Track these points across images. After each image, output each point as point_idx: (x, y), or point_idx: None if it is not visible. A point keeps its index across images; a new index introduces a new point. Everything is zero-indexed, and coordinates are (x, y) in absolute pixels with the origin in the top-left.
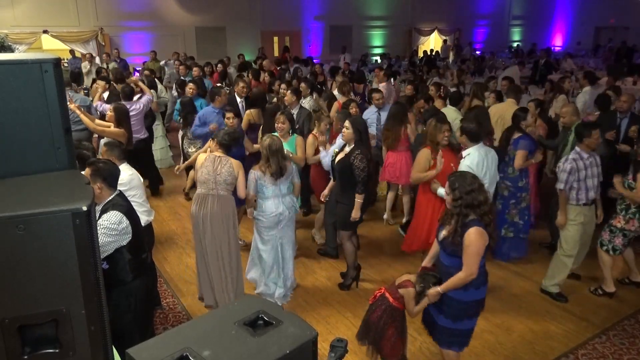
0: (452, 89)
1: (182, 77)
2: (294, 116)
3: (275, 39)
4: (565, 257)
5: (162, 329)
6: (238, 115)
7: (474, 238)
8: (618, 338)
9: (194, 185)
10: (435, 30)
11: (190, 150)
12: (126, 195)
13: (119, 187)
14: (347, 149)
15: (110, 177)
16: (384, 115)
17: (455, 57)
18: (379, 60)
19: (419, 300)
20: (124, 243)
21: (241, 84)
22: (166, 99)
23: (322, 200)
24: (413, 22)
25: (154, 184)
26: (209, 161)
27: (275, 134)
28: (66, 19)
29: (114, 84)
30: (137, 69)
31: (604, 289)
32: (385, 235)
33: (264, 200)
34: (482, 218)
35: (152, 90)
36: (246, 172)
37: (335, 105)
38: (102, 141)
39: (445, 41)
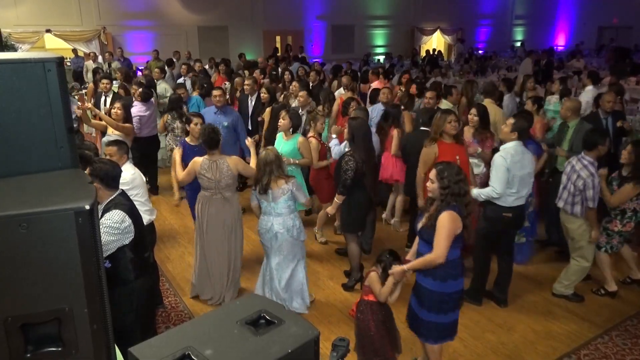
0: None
1: (183, 77)
2: (303, 115)
3: (278, 38)
4: (586, 267)
5: (164, 328)
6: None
7: (446, 220)
8: (620, 338)
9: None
10: (438, 30)
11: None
12: (128, 194)
13: (122, 186)
14: (344, 150)
15: (107, 178)
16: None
17: (458, 57)
18: (382, 60)
19: (384, 282)
20: (127, 242)
21: (247, 82)
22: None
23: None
24: (415, 21)
25: (153, 182)
26: (204, 169)
27: (286, 143)
28: (69, 18)
29: (124, 83)
30: (140, 68)
31: (606, 289)
32: (386, 235)
33: (261, 214)
34: (464, 207)
35: (150, 89)
36: None
37: (337, 102)
38: (105, 140)
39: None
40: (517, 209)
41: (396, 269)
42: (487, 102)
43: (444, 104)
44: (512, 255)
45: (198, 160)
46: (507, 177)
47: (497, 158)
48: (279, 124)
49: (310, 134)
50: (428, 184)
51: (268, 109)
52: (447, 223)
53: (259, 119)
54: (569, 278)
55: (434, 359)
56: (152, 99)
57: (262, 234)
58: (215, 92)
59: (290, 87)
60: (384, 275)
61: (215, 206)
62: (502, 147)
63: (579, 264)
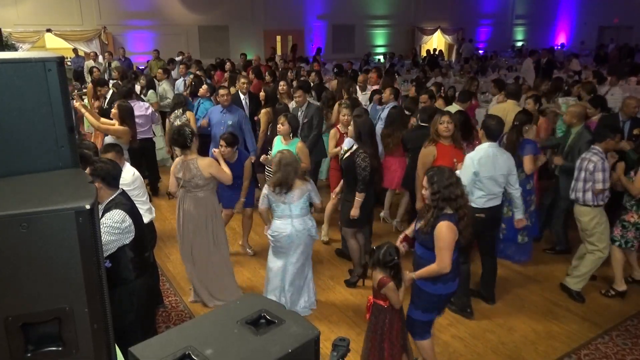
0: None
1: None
2: (302, 113)
3: (278, 38)
4: (601, 257)
5: (164, 328)
6: (230, 144)
7: (444, 231)
8: (621, 338)
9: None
10: (438, 30)
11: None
12: (130, 194)
13: (124, 187)
14: (354, 148)
15: (109, 177)
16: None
17: (458, 57)
18: (382, 60)
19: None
20: (127, 242)
21: (242, 80)
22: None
23: (333, 196)
24: (416, 21)
25: (154, 183)
26: (177, 169)
27: (285, 147)
28: (69, 17)
29: (119, 82)
30: (141, 67)
31: (615, 289)
32: (384, 234)
33: (274, 219)
34: (457, 211)
35: (151, 90)
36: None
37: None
38: (106, 139)
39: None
40: (491, 210)
41: (407, 276)
42: (510, 104)
43: (454, 107)
44: (495, 254)
45: (176, 160)
46: (471, 179)
47: (467, 158)
48: (277, 128)
49: (338, 126)
50: (423, 190)
51: (264, 110)
52: (445, 235)
53: (255, 118)
54: (581, 270)
55: (426, 355)
56: (147, 104)
57: (278, 238)
58: (221, 92)
59: (279, 88)
60: (392, 274)
61: (188, 203)
62: (476, 148)
63: (594, 256)
